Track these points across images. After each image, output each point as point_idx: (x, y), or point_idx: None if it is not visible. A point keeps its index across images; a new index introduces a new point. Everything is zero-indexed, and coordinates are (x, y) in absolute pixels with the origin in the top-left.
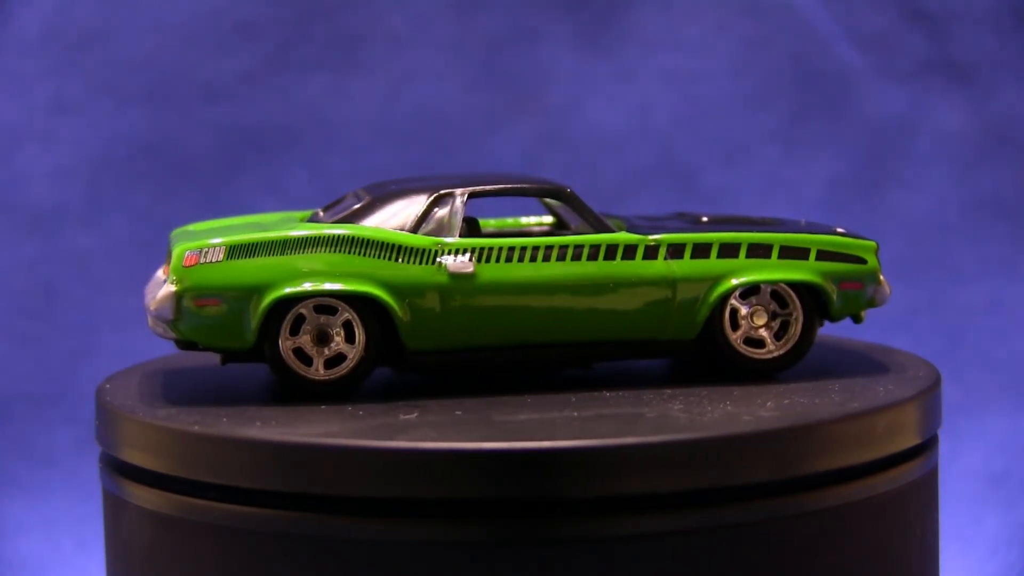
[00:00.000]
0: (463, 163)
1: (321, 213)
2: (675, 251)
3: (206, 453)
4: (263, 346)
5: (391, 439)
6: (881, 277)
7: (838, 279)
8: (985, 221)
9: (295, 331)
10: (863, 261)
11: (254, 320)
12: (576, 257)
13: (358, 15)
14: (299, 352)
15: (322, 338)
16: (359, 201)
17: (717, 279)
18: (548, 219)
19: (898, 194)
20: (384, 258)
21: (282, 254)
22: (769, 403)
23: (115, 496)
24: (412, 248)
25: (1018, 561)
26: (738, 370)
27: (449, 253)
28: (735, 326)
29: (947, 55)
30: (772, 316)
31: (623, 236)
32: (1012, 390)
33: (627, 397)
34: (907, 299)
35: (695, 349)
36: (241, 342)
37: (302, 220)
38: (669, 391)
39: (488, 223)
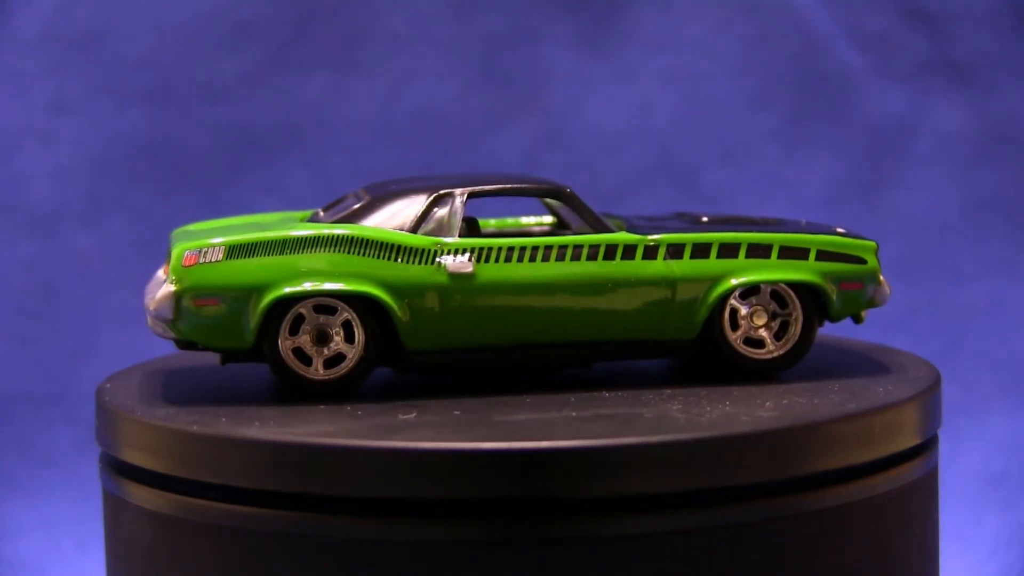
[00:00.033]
0: (463, 163)
1: (321, 213)
2: (675, 251)
3: (206, 453)
4: (262, 346)
5: (389, 439)
6: (881, 277)
7: (838, 279)
8: (985, 221)
9: (294, 331)
10: (863, 261)
11: (253, 320)
12: (575, 257)
13: (358, 15)
14: (298, 352)
15: (321, 338)
16: (359, 201)
17: (717, 279)
18: (548, 219)
19: (898, 194)
20: (383, 258)
21: (281, 254)
22: (768, 403)
23: (115, 496)
24: (411, 248)
25: (1018, 561)
26: (738, 370)
27: (448, 253)
28: (735, 326)
29: (947, 55)
30: (772, 316)
31: (622, 236)
32: (1012, 390)
33: (626, 397)
34: (907, 299)
35: (695, 349)
36: (240, 342)
37: (302, 220)
38: (668, 391)
39: (488, 223)
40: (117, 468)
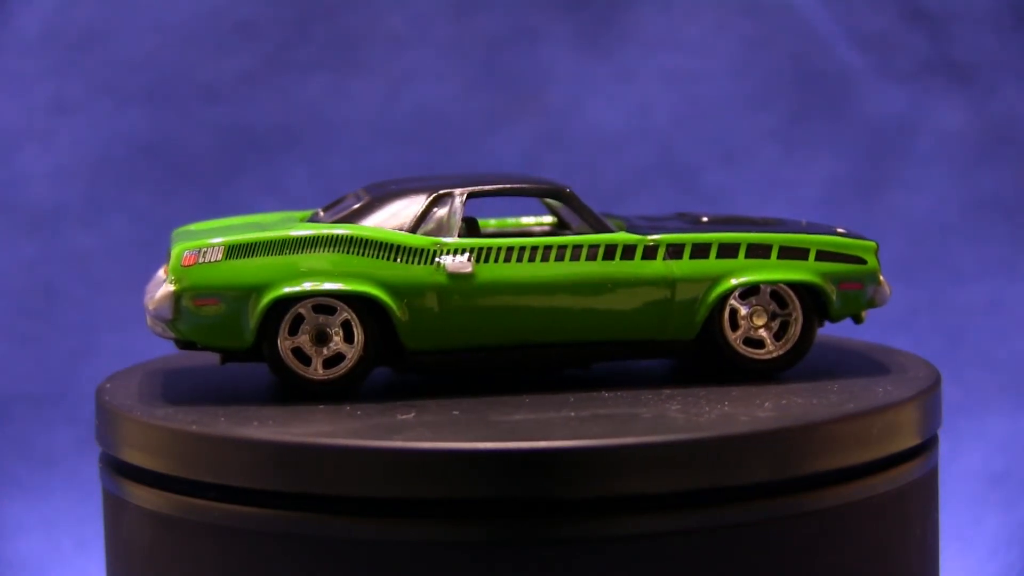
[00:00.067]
0: (463, 163)
1: (321, 213)
2: (674, 251)
3: (206, 453)
4: (262, 346)
5: (389, 439)
6: (881, 277)
7: (838, 279)
8: (985, 221)
9: (294, 331)
10: (863, 261)
11: (253, 320)
12: (575, 257)
13: (358, 15)
14: (298, 352)
15: (321, 338)
16: (359, 201)
17: (716, 279)
18: (549, 219)
19: (898, 194)
20: (383, 258)
21: (281, 254)
22: (767, 403)
23: (115, 496)
24: (411, 248)
25: (1018, 561)
26: (738, 370)
27: (448, 253)
28: (734, 326)
29: (947, 55)
30: (772, 316)
31: (621, 236)
32: (1012, 390)
33: (625, 397)
34: (907, 299)
35: (695, 349)
36: (240, 342)
37: (302, 220)
38: (668, 391)
39: (488, 223)
40: (117, 468)
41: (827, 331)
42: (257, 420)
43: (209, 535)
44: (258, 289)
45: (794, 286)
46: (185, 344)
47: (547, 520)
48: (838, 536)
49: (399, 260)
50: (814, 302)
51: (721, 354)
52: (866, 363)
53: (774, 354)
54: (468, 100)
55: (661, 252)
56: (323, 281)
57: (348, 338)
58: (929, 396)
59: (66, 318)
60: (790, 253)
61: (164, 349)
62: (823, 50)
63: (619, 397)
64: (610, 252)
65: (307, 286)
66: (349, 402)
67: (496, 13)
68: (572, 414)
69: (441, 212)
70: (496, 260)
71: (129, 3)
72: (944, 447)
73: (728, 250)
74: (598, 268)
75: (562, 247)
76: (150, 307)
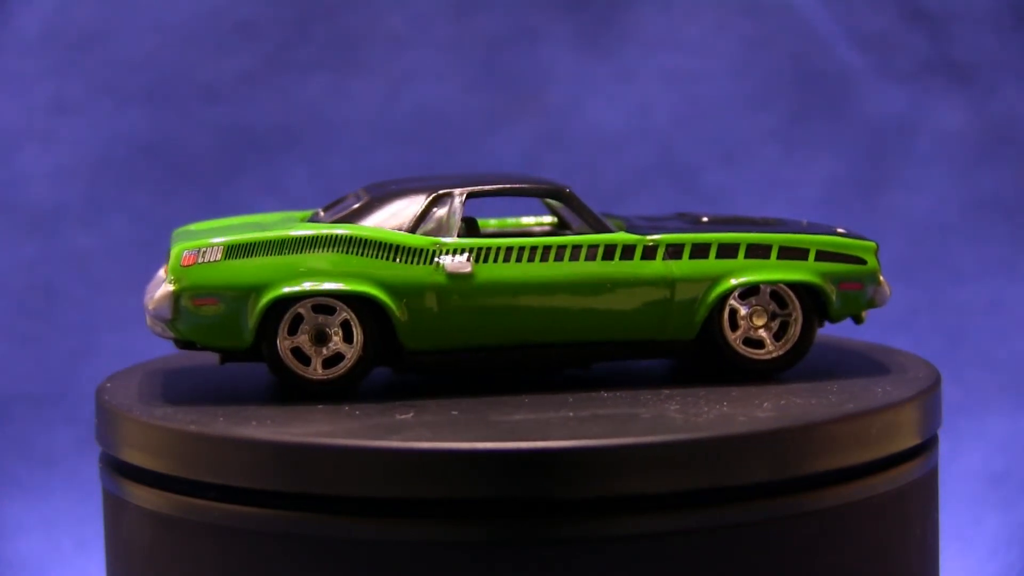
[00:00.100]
0: (463, 163)
1: (321, 213)
2: (674, 251)
3: (205, 453)
4: (261, 346)
5: (388, 439)
6: (881, 277)
7: (837, 280)
8: (985, 221)
9: (293, 331)
10: (863, 262)
11: (252, 320)
12: (574, 257)
13: (358, 15)
14: (297, 352)
15: (320, 338)
16: (358, 201)
17: (716, 279)
18: (548, 219)
19: (898, 194)
20: (382, 258)
21: (280, 254)
22: (766, 404)
23: (115, 496)
24: (410, 248)
25: (1018, 561)
26: (737, 371)
27: (447, 253)
28: (734, 326)
29: (947, 55)
30: (771, 317)
31: (621, 236)
32: (1012, 390)
33: (624, 397)
34: (907, 299)
35: (694, 349)
36: (239, 341)
37: (302, 220)
38: (667, 391)
39: (488, 223)
40: (117, 468)
41: (827, 331)
42: (256, 420)
43: (209, 535)
44: (257, 289)
45: (794, 286)
46: (184, 344)
47: (547, 520)
48: (838, 536)
49: (399, 260)
50: (814, 302)
51: (721, 354)
52: (866, 363)
53: (774, 354)
54: (468, 100)
55: (661, 252)
56: (322, 281)
57: (347, 338)
58: (929, 396)
59: (66, 318)
60: (790, 253)
61: (164, 349)
62: (823, 50)
63: (618, 397)
64: (610, 252)
65: (306, 286)
66: (348, 402)
67: (496, 13)
68: (571, 414)
69: (441, 212)
70: (496, 260)
71: (129, 3)
72: (944, 447)
73: (728, 250)
74: (598, 268)
75: (562, 247)
76: (150, 307)
